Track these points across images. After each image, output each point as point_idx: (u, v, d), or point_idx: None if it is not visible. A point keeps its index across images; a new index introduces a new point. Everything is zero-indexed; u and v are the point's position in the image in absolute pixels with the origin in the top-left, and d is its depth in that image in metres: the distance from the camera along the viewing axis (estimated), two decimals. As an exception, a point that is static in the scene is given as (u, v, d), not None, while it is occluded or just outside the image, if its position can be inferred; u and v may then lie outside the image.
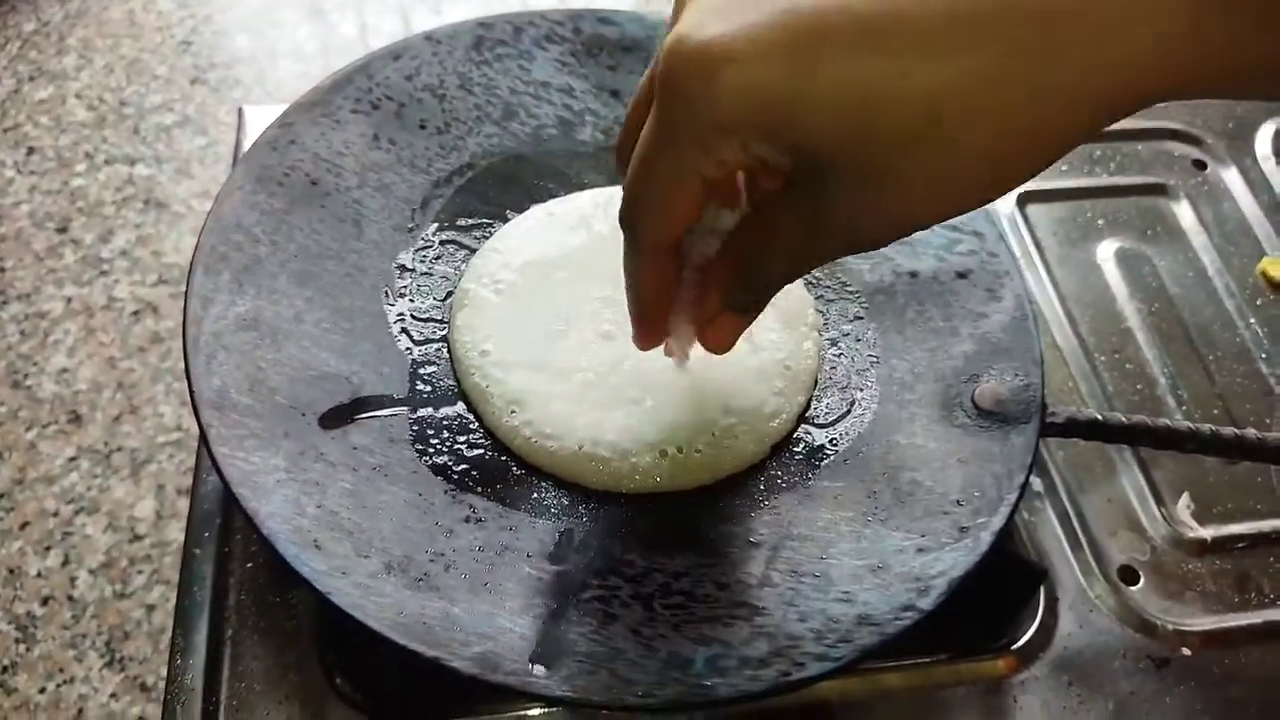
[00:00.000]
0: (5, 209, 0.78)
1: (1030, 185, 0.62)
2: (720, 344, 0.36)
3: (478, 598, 0.37)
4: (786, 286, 0.47)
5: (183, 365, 0.74)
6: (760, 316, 0.45)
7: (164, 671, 0.56)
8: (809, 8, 0.26)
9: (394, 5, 0.95)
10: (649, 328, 0.37)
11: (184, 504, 0.65)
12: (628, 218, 0.32)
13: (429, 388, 0.43)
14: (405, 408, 0.42)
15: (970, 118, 0.26)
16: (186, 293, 0.41)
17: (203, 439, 0.38)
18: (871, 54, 0.25)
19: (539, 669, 0.35)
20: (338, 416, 0.41)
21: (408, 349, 0.44)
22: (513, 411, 0.42)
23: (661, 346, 0.39)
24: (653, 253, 0.33)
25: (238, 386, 0.39)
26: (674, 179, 0.29)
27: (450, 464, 0.41)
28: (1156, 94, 0.27)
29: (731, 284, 0.34)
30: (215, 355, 0.40)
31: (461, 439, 0.42)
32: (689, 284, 0.36)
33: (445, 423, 0.42)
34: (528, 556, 0.39)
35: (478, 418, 0.43)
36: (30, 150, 0.81)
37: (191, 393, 0.38)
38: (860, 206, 0.28)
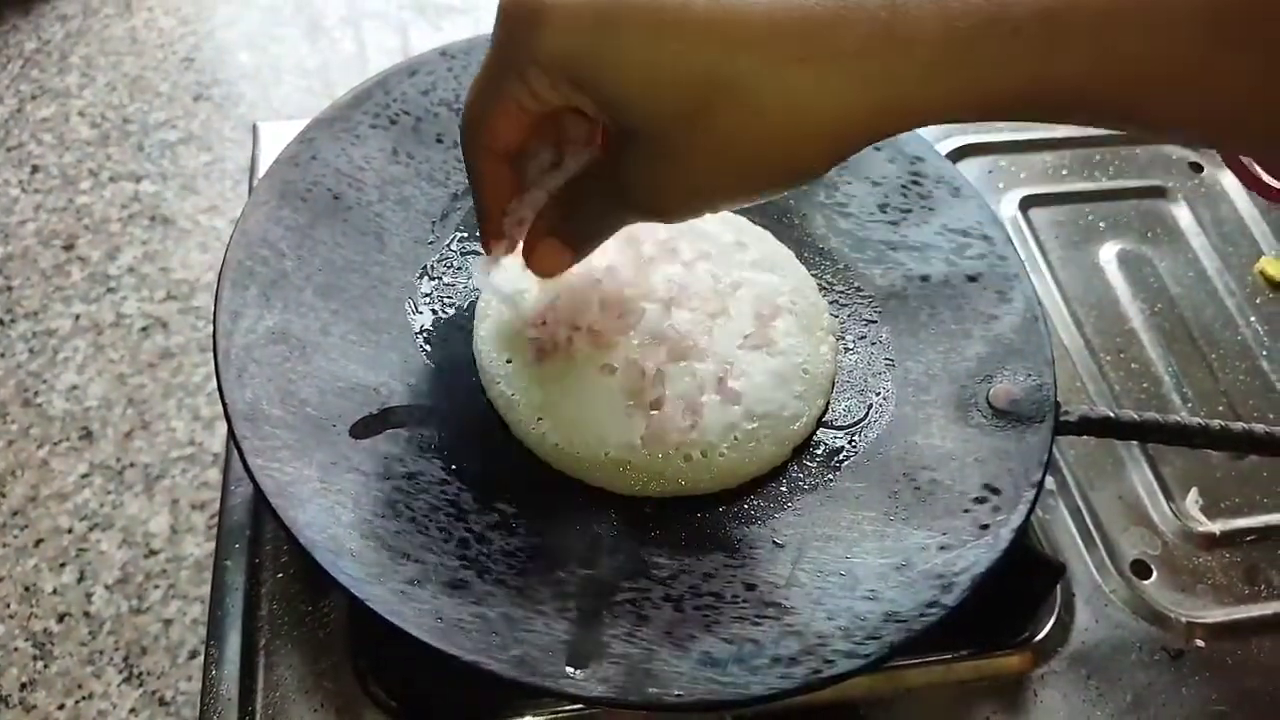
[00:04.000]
0: (11, 227, 0.78)
1: (1032, 189, 0.63)
2: (541, 267, 0.39)
3: (511, 602, 0.37)
4: (802, 292, 0.48)
5: (194, 380, 0.75)
6: (777, 322, 0.47)
7: (182, 686, 0.56)
8: None
9: (393, 22, 0.96)
10: (486, 228, 0.40)
11: (198, 518, 0.65)
12: (461, 125, 0.36)
13: (455, 397, 0.44)
14: (433, 417, 0.43)
15: (742, 108, 0.30)
16: (215, 307, 0.42)
17: (237, 451, 0.38)
18: (661, 36, 0.30)
19: (575, 670, 0.35)
20: (367, 427, 0.41)
21: (432, 359, 0.45)
22: (539, 419, 0.43)
23: None
24: (479, 155, 0.37)
25: (269, 399, 0.40)
26: (495, 99, 0.34)
27: (479, 471, 0.42)
28: (916, 117, 0.30)
29: (562, 214, 0.38)
30: (246, 368, 0.40)
31: (489, 446, 0.43)
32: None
33: (473, 431, 0.43)
34: (558, 561, 0.39)
35: (504, 425, 0.43)
36: (35, 169, 0.81)
37: (225, 405, 0.39)
38: (655, 176, 0.33)
